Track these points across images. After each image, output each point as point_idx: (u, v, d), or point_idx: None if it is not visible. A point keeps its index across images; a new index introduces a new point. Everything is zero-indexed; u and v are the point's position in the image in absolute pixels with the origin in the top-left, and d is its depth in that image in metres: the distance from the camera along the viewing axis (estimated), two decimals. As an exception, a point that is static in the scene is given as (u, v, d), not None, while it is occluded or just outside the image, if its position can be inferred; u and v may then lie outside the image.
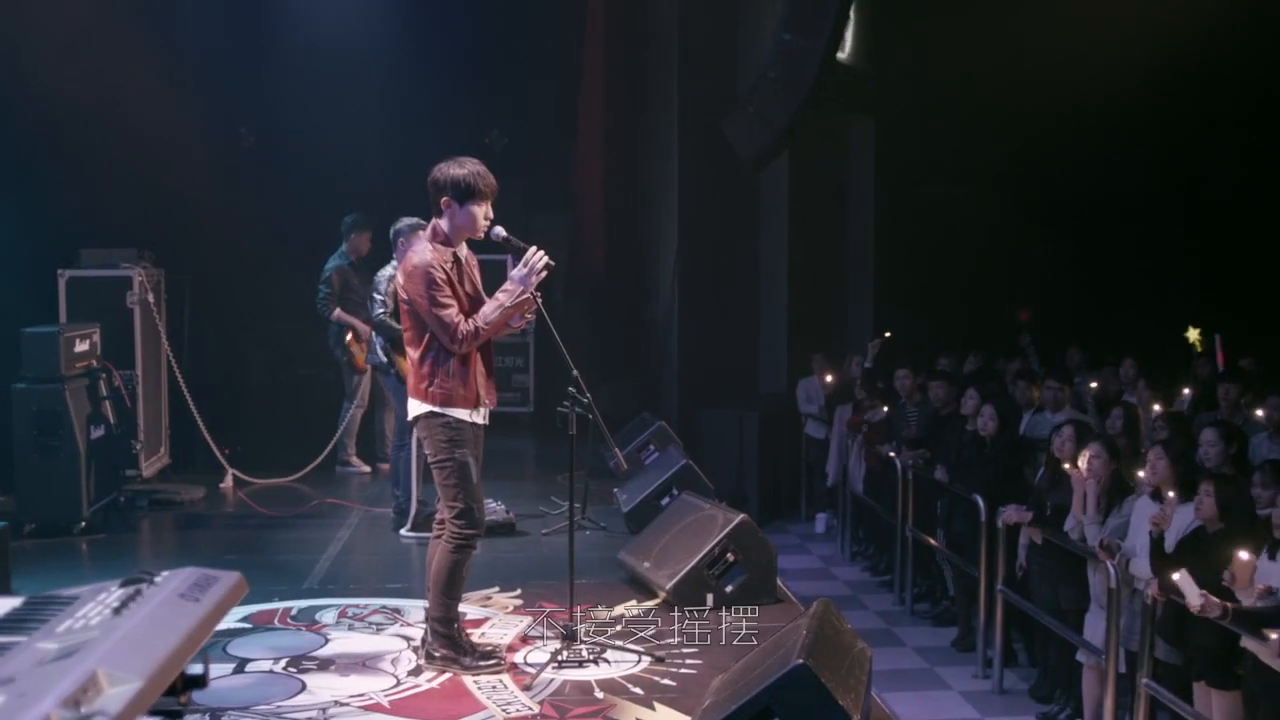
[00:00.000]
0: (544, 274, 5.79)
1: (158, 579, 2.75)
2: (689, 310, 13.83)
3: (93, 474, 8.71)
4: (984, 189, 14.46)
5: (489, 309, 5.74)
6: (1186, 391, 10.08)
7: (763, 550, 6.92)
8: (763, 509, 13.05)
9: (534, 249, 5.83)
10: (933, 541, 9.57)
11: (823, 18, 11.60)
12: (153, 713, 2.48)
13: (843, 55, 12.88)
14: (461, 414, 5.77)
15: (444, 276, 5.67)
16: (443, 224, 5.81)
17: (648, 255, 15.18)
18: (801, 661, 4.24)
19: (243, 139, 14.01)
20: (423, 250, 5.75)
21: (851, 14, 12.12)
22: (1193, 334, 11.01)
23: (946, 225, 14.18)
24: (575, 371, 5.97)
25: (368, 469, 10.90)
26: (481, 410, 5.91)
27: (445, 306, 5.65)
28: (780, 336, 14.12)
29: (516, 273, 5.77)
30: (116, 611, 2.53)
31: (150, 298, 9.85)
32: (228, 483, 10.18)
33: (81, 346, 8.95)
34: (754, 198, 14.21)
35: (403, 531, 8.61)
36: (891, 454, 10.47)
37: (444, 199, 5.76)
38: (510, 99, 15.05)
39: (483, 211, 5.80)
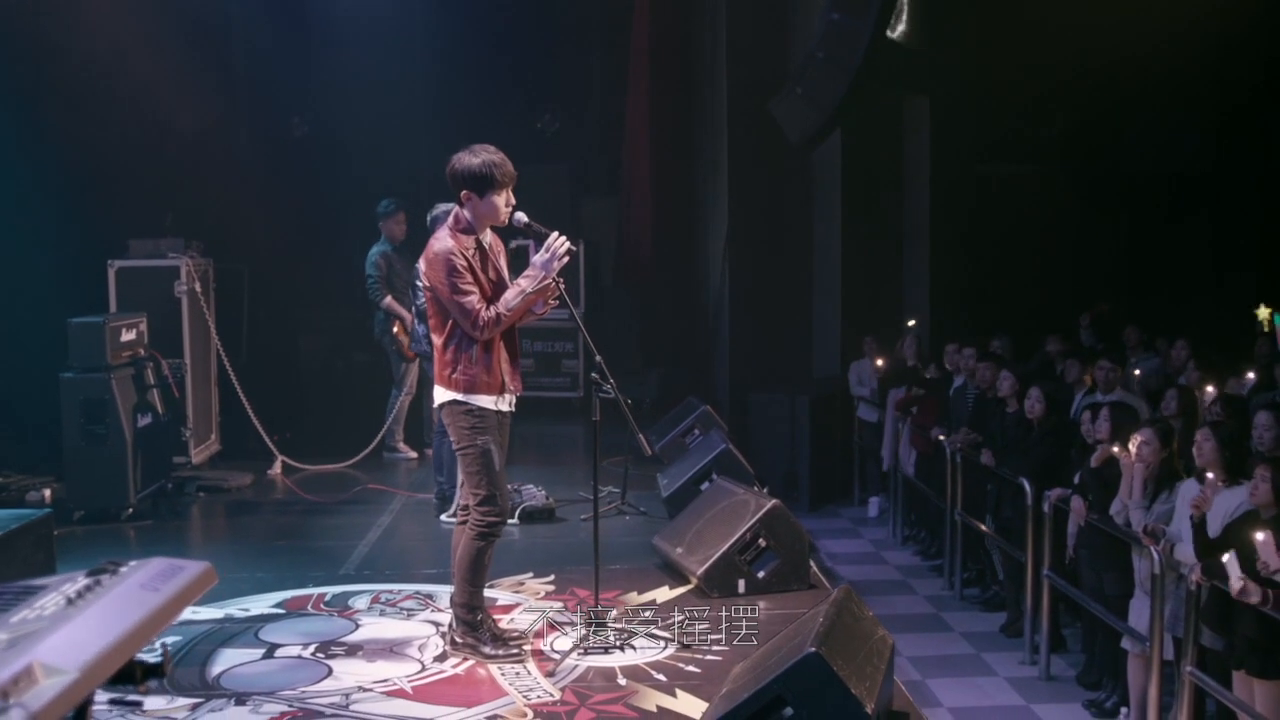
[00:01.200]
0: (566, 259, 5.70)
1: (123, 568, 2.69)
2: (740, 293, 13.71)
3: (140, 461, 8.75)
4: (1043, 169, 14.19)
5: (510, 295, 5.67)
6: (1251, 375, 9.77)
7: (795, 536, 6.80)
8: (815, 493, 12.97)
9: (555, 234, 5.73)
10: (981, 526, 9.39)
11: (871, -3, 11.40)
12: (112, 701, 2.43)
13: (896, 34, 12.62)
14: (486, 401, 5.71)
15: (464, 263, 5.61)
16: (465, 213, 5.75)
17: (698, 239, 15.07)
18: (814, 650, 4.14)
19: (294, 128, 14.09)
20: (444, 237, 5.70)
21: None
22: (1263, 312, 10.66)
23: (1004, 206, 13.97)
24: (598, 357, 5.89)
25: (415, 455, 10.89)
26: (506, 397, 5.84)
27: (466, 293, 5.58)
28: (833, 319, 13.93)
29: (539, 258, 5.70)
30: (70, 602, 2.48)
31: (197, 287, 9.88)
32: (276, 469, 10.20)
33: (128, 336, 9.00)
34: (806, 179, 14.06)
35: (443, 517, 8.57)
36: (940, 437, 10.31)
37: (463, 192, 5.70)
38: (560, 83, 14.99)
39: (503, 200, 5.72)
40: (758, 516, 6.70)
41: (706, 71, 14.45)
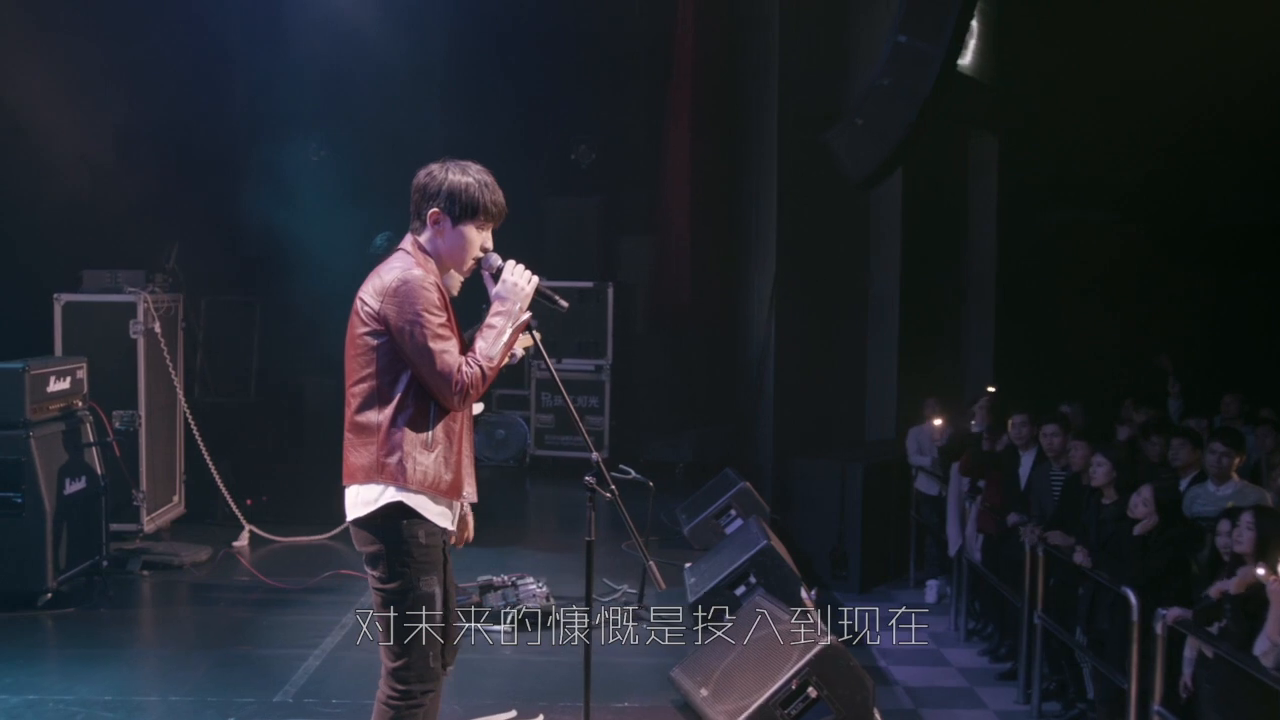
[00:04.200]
0: (534, 285, 4.12)
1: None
2: (787, 346, 12.09)
3: (65, 536, 7.11)
4: (1119, 214, 12.63)
5: (488, 343, 4.00)
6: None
7: (854, 683, 5.02)
8: (866, 573, 11.21)
9: (512, 261, 4.14)
10: (1068, 638, 7.62)
11: (944, 17, 9.81)
12: None
13: (963, 63, 11.05)
14: (434, 512, 3.99)
15: (442, 299, 3.95)
16: (424, 241, 4.07)
17: (741, 284, 13.45)
18: None
19: (311, 153, 12.66)
20: (407, 263, 4.01)
21: (975, 16, 10.29)
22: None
23: (1077, 254, 12.47)
24: (596, 455, 4.14)
25: None
26: (457, 507, 4.14)
27: (445, 339, 3.92)
28: (889, 378, 12.31)
29: (500, 288, 4.08)
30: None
31: (157, 326, 8.25)
32: (243, 540, 8.53)
33: (59, 385, 7.38)
34: (862, 222, 12.50)
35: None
36: (1017, 525, 8.54)
37: (433, 210, 4.03)
38: (597, 114, 13.47)
39: (480, 238, 4.08)
40: (807, 658, 4.92)
41: (755, 102, 12.97)
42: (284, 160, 11.81)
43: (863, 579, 11.23)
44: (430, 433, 3.96)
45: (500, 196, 4.08)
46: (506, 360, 4.08)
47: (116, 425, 8.00)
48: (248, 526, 8.53)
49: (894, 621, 10.30)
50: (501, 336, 3.99)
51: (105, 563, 7.42)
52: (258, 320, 12.83)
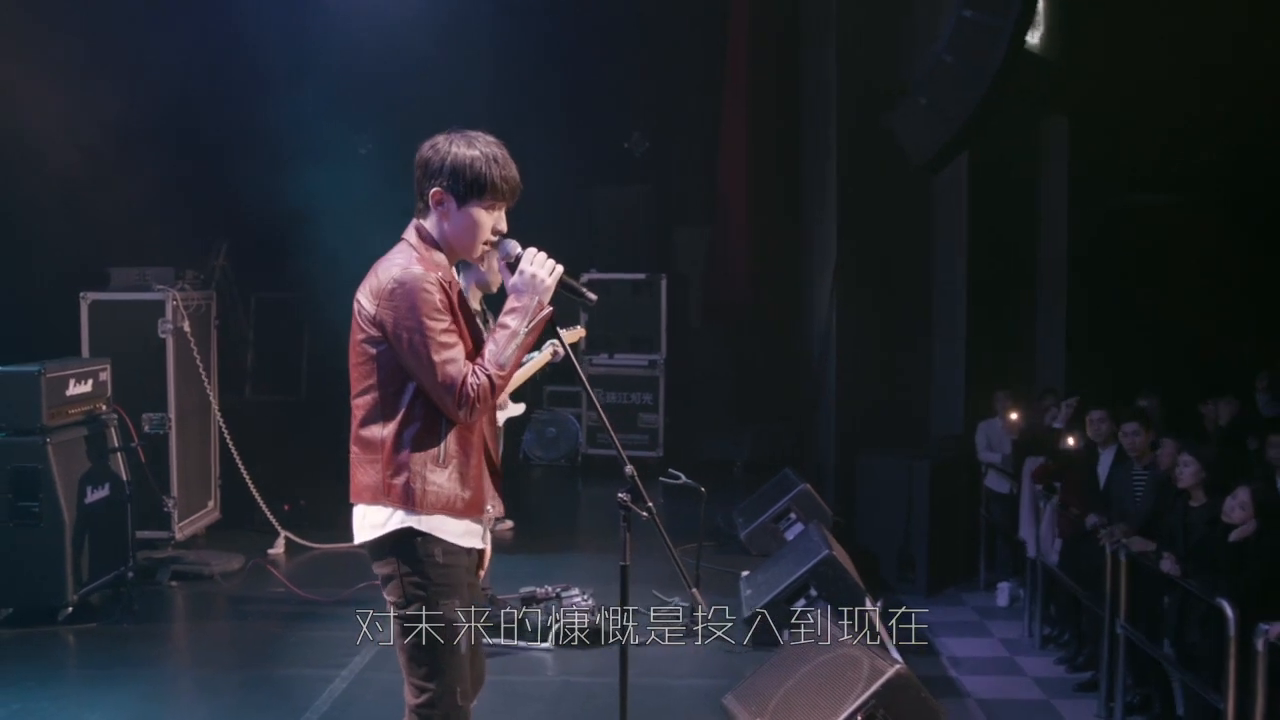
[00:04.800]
0: (557, 275, 3.56)
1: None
2: (848, 338, 11.52)
3: (86, 547, 6.69)
4: (1197, 199, 11.76)
5: (499, 346, 3.47)
6: None
7: (926, 717, 4.45)
8: (934, 575, 10.72)
9: (533, 249, 3.59)
10: (1155, 650, 7.03)
11: (1011, -12, 9.16)
12: None
13: (1031, 40, 10.39)
14: (454, 531, 3.50)
15: (443, 299, 3.44)
16: (429, 226, 3.56)
17: (800, 274, 12.87)
18: None
19: (360, 146, 12.26)
20: (407, 258, 3.50)
21: (1044, -11, 9.68)
22: None
23: (1152, 240, 11.69)
24: (630, 469, 3.63)
25: (509, 525, 8.74)
26: (484, 523, 3.64)
27: (448, 347, 3.41)
28: (956, 370, 11.76)
29: (516, 279, 3.55)
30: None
31: (186, 325, 7.81)
32: (278, 548, 8.07)
33: (79, 388, 6.95)
34: (925, 208, 11.86)
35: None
36: (1097, 527, 7.95)
37: (435, 189, 3.51)
38: (650, 98, 12.92)
39: (491, 220, 3.55)
40: (874, 688, 4.37)
41: (813, 84, 12.35)
42: (331, 154, 11.43)
43: (930, 581, 10.70)
44: (441, 447, 3.47)
45: (512, 171, 3.54)
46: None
47: (146, 428, 7.59)
48: (283, 533, 8.09)
49: (964, 627, 9.82)
50: (514, 339, 3.47)
51: (131, 574, 6.98)
52: (307, 317, 12.47)
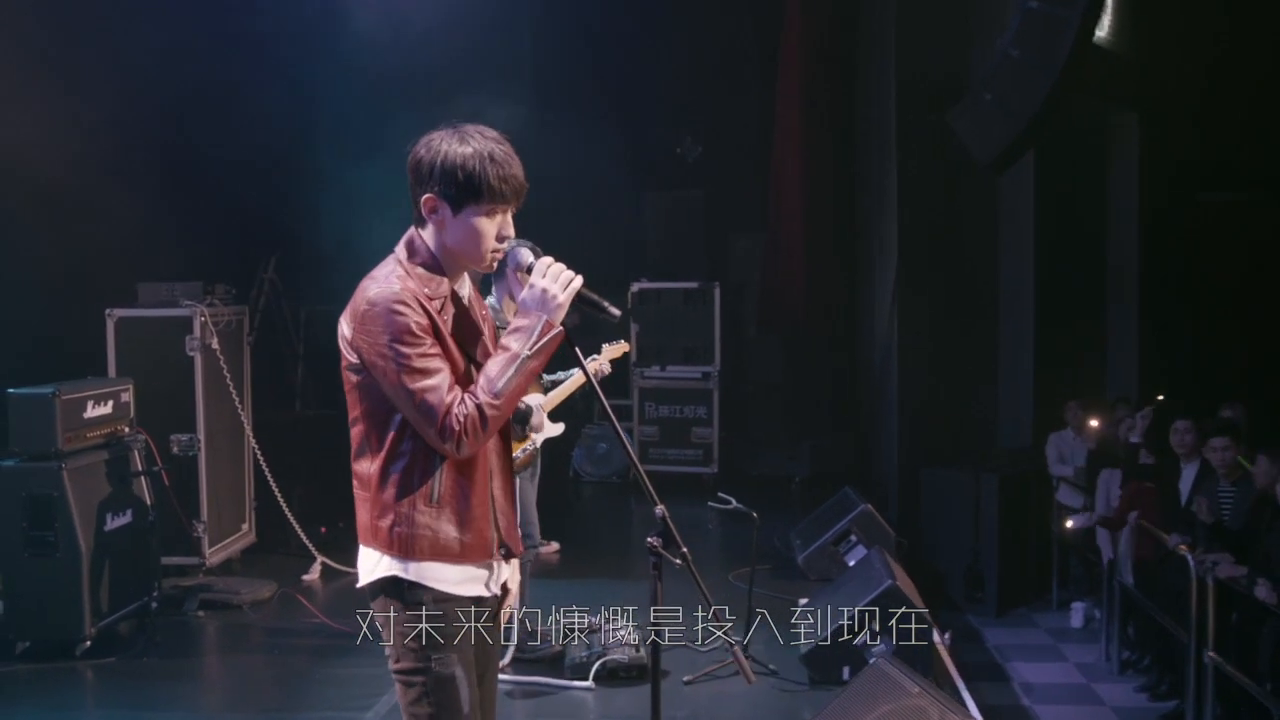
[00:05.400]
0: (573, 289, 3.07)
1: None
2: (910, 346, 10.92)
3: (106, 577, 6.30)
4: (1273, 195, 11.11)
5: (495, 371, 3.00)
6: None
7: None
8: (1003, 594, 10.09)
9: (547, 259, 3.13)
10: (1250, 685, 6.44)
11: (1080, -22, 8.62)
12: None
13: (1099, 34, 9.81)
14: (449, 579, 3.05)
15: (421, 321, 2.97)
16: (426, 237, 3.10)
17: (860, 281, 12.31)
18: None
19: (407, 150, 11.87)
20: (387, 273, 3.04)
21: (1113, -19, 9.13)
22: None
23: (1229, 241, 11.08)
24: (660, 507, 3.15)
25: (555, 547, 8.31)
26: (498, 567, 3.18)
27: (427, 374, 2.94)
28: (1025, 379, 11.11)
29: (527, 292, 3.08)
30: None
31: (215, 343, 7.42)
32: (314, 573, 7.66)
33: (99, 410, 6.56)
34: (991, 209, 11.28)
35: (500, 664, 5.88)
36: (1182, 549, 7.34)
37: (427, 196, 3.04)
38: (702, 102, 12.45)
39: (493, 226, 3.07)
40: (944, 745, 3.84)
41: (871, 83, 11.82)
42: (371, 165, 11.08)
43: (1000, 600, 10.07)
44: (433, 483, 3.02)
45: (512, 170, 3.03)
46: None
47: (175, 450, 7.22)
48: (319, 558, 7.68)
49: (1037, 651, 9.24)
50: (514, 364, 2.98)
51: (155, 604, 6.59)
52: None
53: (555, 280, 3.05)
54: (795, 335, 12.22)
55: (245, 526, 8.04)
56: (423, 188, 3.03)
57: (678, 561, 3.10)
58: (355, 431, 3.10)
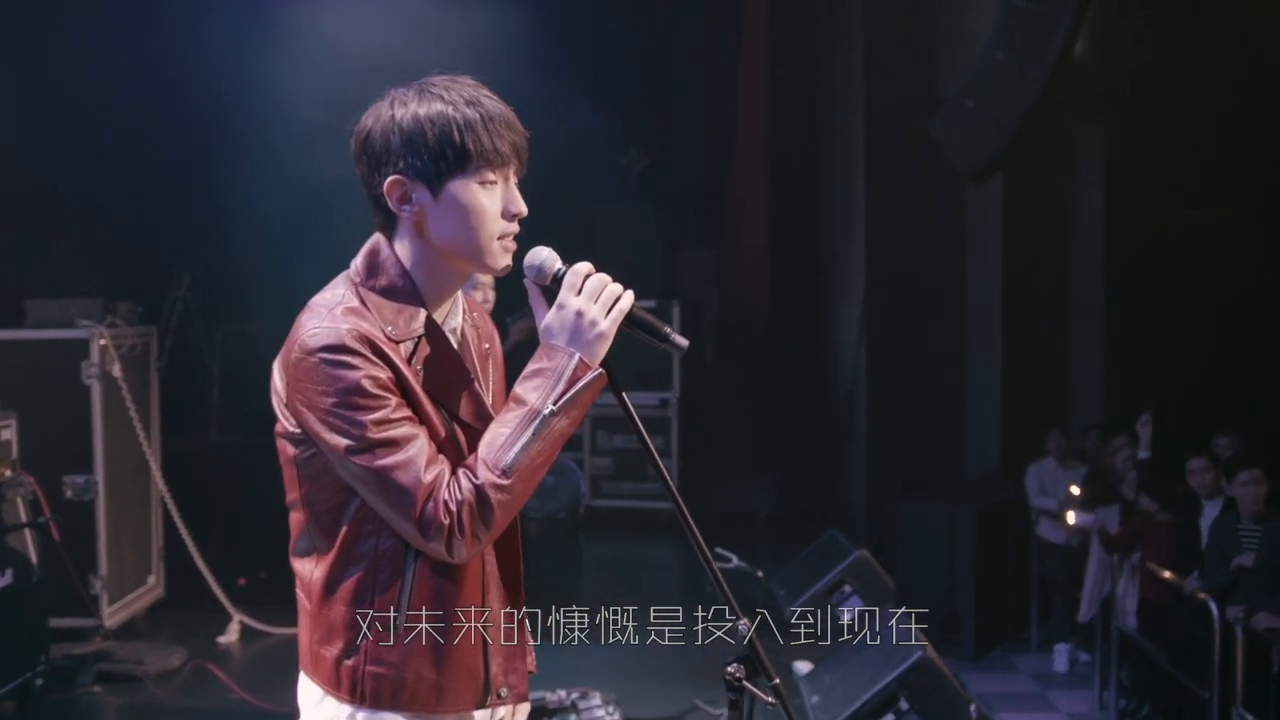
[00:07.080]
0: (621, 310, 2.09)
1: None
2: (879, 372, 10.20)
3: (-22, 649, 5.16)
4: (1242, 213, 10.49)
5: (507, 432, 1.99)
6: None
7: None
8: (980, 635, 9.17)
9: (584, 265, 2.09)
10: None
11: (1069, -26, 7.97)
12: None
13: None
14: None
15: (380, 375, 1.93)
16: (400, 248, 2.07)
17: (826, 302, 11.48)
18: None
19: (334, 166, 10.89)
20: (330, 308, 2.01)
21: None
22: None
23: (1195, 257, 10.44)
24: (744, 621, 2.14)
25: None
26: (496, 715, 2.15)
27: (392, 446, 1.92)
28: (992, 403, 10.45)
29: (552, 319, 2.07)
30: None
31: (116, 370, 6.28)
32: (231, 634, 6.53)
33: (-28, 451, 5.42)
34: (959, 227, 10.59)
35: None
36: (1200, 594, 6.54)
37: (391, 179, 2.03)
38: (652, 109, 11.57)
39: (494, 199, 2.06)
40: None
41: (838, 91, 11.06)
42: (303, 174, 10.10)
43: (977, 643, 9.22)
44: (400, 596, 2.00)
45: (504, 120, 2.07)
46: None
47: (68, 494, 6.08)
48: (236, 616, 6.55)
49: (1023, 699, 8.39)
50: (533, 424, 1.99)
51: (40, 680, 5.43)
52: (278, 351, 11.14)
53: (594, 297, 2.02)
54: (759, 360, 11.51)
55: (152, 579, 6.90)
56: (381, 172, 2.04)
57: (770, 700, 2.07)
58: (294, 519, 2.08)
